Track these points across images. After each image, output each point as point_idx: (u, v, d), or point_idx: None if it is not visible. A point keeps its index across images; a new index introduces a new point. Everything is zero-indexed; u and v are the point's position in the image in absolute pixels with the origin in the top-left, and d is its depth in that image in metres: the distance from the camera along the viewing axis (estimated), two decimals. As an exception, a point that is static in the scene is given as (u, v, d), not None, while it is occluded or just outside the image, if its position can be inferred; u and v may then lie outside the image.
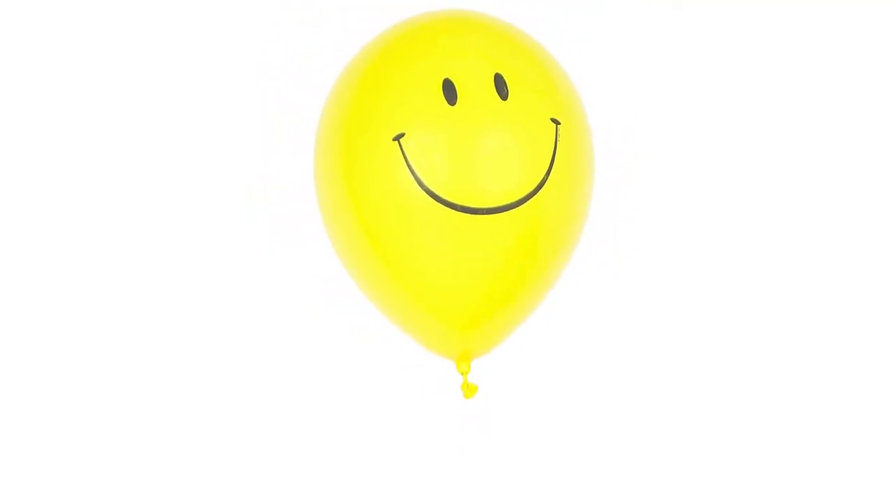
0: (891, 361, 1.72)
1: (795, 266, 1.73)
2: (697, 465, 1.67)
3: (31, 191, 1.69)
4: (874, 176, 1.75)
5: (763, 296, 1.73)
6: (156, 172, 1.69)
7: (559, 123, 1.39)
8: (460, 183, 1.36)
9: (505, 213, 1.37)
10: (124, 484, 1.63)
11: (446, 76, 1.36)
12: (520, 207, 1.37)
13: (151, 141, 1.68)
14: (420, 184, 1.35)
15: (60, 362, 1.65)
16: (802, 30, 1.78)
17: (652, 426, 1.68)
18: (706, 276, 1.72)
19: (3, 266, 1.67)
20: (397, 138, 1.36)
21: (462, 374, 1.47)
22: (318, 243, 1.52)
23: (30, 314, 1.66)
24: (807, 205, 1.76)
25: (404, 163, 1.36)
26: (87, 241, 1.67)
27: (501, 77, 1.37)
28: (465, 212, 1.36)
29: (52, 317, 1.66)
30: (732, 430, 1.69)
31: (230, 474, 1.64)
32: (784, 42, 1.78)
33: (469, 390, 1.48)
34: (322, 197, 1.47)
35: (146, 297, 1.67)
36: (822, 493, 1.67)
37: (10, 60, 1.71)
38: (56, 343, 1.65)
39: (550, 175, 1.38)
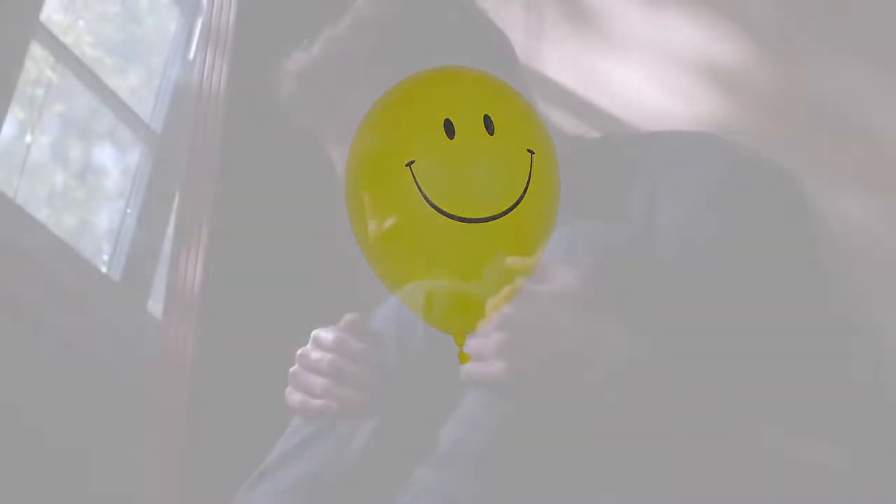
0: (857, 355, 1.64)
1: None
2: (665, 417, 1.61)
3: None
4: (872, 178, 1.77)
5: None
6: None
7: (533, 153, 1.50)
8: (457, 198, 1.47)
9: (491, 222, 1.48)
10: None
11: (447, 116, 1.47)
12: (503, 217, 1.48)
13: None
14: (426, 199, 1.47)
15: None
16: (802, 31, 1.76)
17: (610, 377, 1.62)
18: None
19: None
20: (409, 164, 1.47)
21: (458, 345, 1.56)
22: (349, 243, 1.58)
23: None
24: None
25: (414, 183, 1.47)
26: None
27: (489, 117, 1.48)
28: (461, 220, 1.47)
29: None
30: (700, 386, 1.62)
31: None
32: (784, 43, 1.77)
33: (464, 357, 1.56)
34: (352, 207, 1.55)
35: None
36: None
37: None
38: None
39: (526, 192, 1.49)
